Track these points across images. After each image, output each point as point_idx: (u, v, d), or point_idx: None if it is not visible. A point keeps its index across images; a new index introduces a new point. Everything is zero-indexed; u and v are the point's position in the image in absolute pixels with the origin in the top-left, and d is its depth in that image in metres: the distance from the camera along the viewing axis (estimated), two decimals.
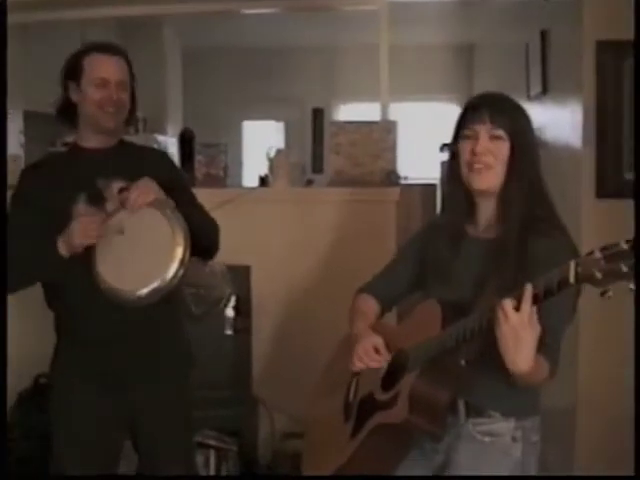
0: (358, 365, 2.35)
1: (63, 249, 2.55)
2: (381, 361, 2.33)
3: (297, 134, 8.39)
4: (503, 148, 2.19)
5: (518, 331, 1.83)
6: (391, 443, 2.29)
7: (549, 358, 2.01)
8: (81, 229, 2.53)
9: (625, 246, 1.61)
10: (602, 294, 1.67)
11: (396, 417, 2.18)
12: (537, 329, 1.85)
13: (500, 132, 2.19)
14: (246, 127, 9.34)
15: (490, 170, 2.20)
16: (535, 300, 1.82)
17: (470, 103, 2.28)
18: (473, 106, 2.24)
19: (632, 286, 1.61)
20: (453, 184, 2.32)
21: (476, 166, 2.20)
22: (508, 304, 1.84)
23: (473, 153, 2.20)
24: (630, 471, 3.57)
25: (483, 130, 2.19)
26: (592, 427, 4.13)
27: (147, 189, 2.59)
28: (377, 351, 2.34)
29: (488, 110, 2.19)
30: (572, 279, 1.71)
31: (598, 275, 1.65)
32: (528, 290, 1.81)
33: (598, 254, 1.65)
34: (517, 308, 1.83)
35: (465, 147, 2.23)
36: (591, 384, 4.13)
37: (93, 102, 2.66)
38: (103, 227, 2.55)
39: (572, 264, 1.71)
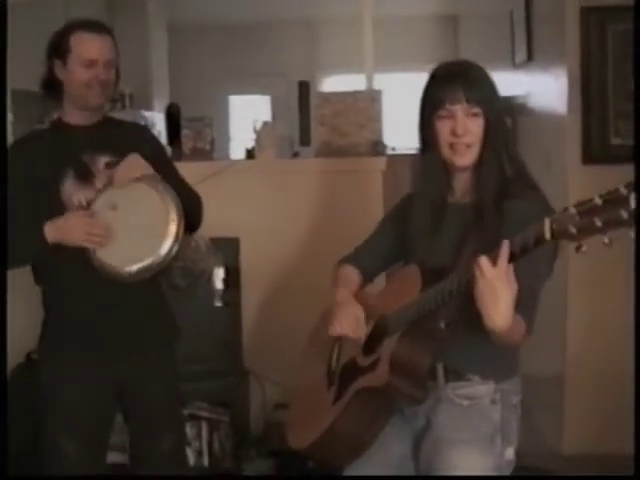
0: (337, 330, 2.34)
1: (51, 236, 2.55)
2: (358, 332, 2.33)
3: (283, 107, 8.38)
4: (480, 124, 2.21)
5: (495, 286, 1.85)
6: (373, 408, 2.31)
7: (525, 316, 2.02)
8: (83, 230, 2.54)
9: (599, 201, 1.61)
10: (577, 249, 1.68)
11: (377, 380, 2.19)
12: (514, 286, 1.87)
13: (476, 110, 2.20)
14: (232, 102, 9.32)
15: (471, 148, 2.23)
16: (511, 257, 1.83)
17: (439, 78, 2.27)
18: (444, 83, 2.23)
19: (606, 240, 1.62)
20: (430, 154, 2.32)
21: (457, 146, 2.22)
22: (484, 260, 1.85)
23: (454, 134, 2.21)
24: (622, 438, 3.63)
25: (460, 110, 2.20)
26: (581, 391, 4.17)
27: (135, 165, 2.60)
28: (357, 321, 2.34)
29: (462, 88, 2.19)
30: (547, 235, 1.72)
31: (573, 230, 1.66)
32: (505, 246, 1.83)
33: (572, 210, 1.66)
34: (493, 264, 1.84)
35: (443, 127, 2.23)
36: (579, 348, 4.17)
37: (81, 82, 2.64)
38: (107, 229, 2.56)
39: (547, 221, 1.72)
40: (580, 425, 4.17)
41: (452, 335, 2.16)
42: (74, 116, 2.74)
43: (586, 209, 1.64)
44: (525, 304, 1.98)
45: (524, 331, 2.05)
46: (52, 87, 2.73)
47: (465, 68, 2.26)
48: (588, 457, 4.04)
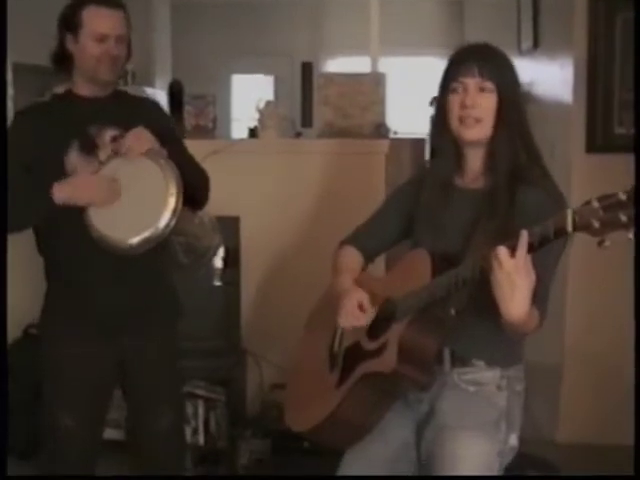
0: (344, 324, 2.33)
1: (60, 195, 2.52)
2: (364, 320, 2.30)
3: (287, 88, 8.35)
4: (492, 100, 2.20)
5: (513, 278, 1.83)
6: (378, 393, 2.30)
7: (539, 307, 2.01)
8: (90, 187, 2.55)
9: (623, 197, 1.60)
10: (599, 244, 1.66)
11: (384, 366, 2.18)
12: (532, 277, 1.85)
13: (489, 84, 2.19)
14: (235, 81, 9.28)
15: (480, 122, 2.21)
16: (530, 248, 1.81)
17: (457, 55, 2.27)
18: (460, 59, 2.24)
19: (631, 236, 1.60)
20: (441, 135, 2.32)
21: (466, 120, 2.20)
22: (502, 251, 1.83)
23: (463, 106, 2.20)
24: (616, 429, 3.64)
25: (472, 83, 2.19)
26: (578, 381, 4.18)
27: (142, 137, 2.59)
28: (361, 307, 2.31)
29: (476, 63, 2.19)
30: (569, 228, 1.70)
31: (596, 224, 1.64)
32: (524, 236, 1.80)
33: (596, 204, 1.64)
34: (512, 255, 1.82)
35: (454, 100, 2.22)
36: (578, 338, 4.17)
37: (92, 56, 2.62)
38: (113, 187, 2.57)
39: (569, 213, 1.70)
40: (575, 414, 4.18)
41: (460, 321, 2.15)
42: (85, 89, 2.72)
43: (610, 203, 1.62)
44: (539, 295, 1.96)
45: (537, 322, 2.04)
46: (63, 61, 2.71)
47: (483, 47, 2.27)
48: (582, 446, 4.06)
